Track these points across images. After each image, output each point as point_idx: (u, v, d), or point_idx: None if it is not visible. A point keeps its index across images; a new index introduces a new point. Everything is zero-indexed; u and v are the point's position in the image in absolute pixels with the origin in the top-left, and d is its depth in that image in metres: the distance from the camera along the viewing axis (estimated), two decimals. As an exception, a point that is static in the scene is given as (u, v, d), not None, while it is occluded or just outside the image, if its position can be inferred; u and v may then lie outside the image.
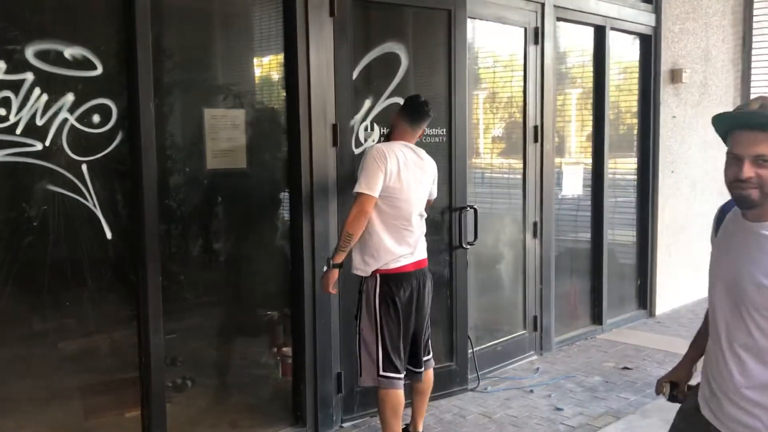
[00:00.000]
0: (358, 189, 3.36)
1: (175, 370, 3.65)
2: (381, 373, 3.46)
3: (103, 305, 3.27)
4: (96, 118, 3.10)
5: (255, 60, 3.93)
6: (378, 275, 3.44)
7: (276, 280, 4.00)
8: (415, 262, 3.52)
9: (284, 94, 3.80)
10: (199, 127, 3.49)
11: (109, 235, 3.18)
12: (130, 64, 3.14)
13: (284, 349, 4.04)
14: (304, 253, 3.83)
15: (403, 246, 3.47)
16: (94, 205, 3.12)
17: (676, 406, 2.29)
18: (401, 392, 3.51)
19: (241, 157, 3.65)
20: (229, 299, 3.89)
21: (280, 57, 3.79)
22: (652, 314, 6.59)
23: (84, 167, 3.08)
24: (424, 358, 3.68)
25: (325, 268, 3.59)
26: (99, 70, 3.09)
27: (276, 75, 3.84)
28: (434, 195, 3.78)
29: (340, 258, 3.40)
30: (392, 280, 3.44)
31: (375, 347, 3.45)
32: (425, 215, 3.66)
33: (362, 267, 3.48)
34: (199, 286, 3.71)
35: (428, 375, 3.73)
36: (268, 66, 3.96)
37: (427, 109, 3.60)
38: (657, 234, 6.56)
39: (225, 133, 3.56)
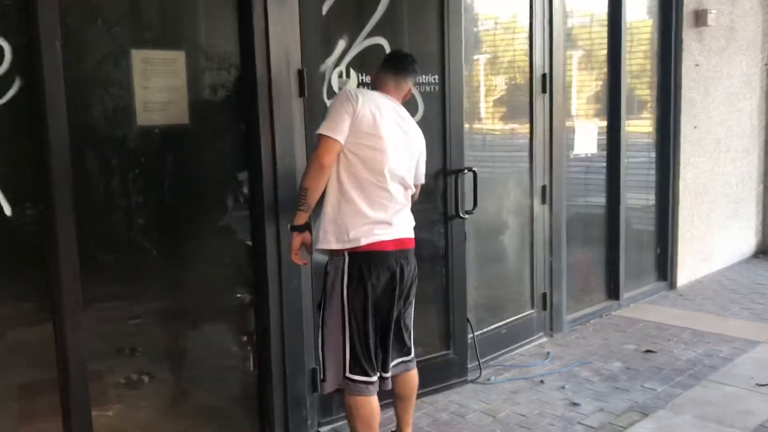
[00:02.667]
0: (318, 131, 2.70)
1: (131, 363, 3.05)
2: (348, 375, 2.78)
3: (7, 299, 2.61)
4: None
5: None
6: (346, 254, 2.75)
7: (233, 261, 3.33)
8: (395, 239, 2.82)
9: (236, 33, 3.09)
10: (126, 72, 2.77)
11: (8, 211, 2.50)
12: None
13: (252, 336, 3.39)
14: (266, 226, 3.16)
15: (379, 211, 2.76)
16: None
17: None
18: (374, 399, 2.84)
19: (181, 110, 2.94)
20: (175, 283, 3.21)
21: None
22: (673, 286, 5.93)
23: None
24: (404, 359, 3.01)
25: None
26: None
27: (225, 8, 3.11)
28: (421, 178, 3.07)
29: (299, 219, 2.77)
30: (365, 260, 2.75)
31: (341, 344, 2.77)
32: (412, 190, 2.97)
33: (325, 238, 2.77)
34: (134, 268, 3.02)
35: (411, 377, 3.07)
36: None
37: (411, 61, 2.99)
38: (678, 197, 5.87)
39: (160, 81, 2.85)
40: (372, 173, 2.74)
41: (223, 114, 3.16)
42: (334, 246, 2.77)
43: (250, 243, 3.25)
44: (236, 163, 3.19)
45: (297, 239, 2.81)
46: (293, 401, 3.32)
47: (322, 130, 2.70)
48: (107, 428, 2.89)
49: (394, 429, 3.22)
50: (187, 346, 3.29)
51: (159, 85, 2.85)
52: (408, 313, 3.00)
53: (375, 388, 2.84)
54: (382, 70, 2.98)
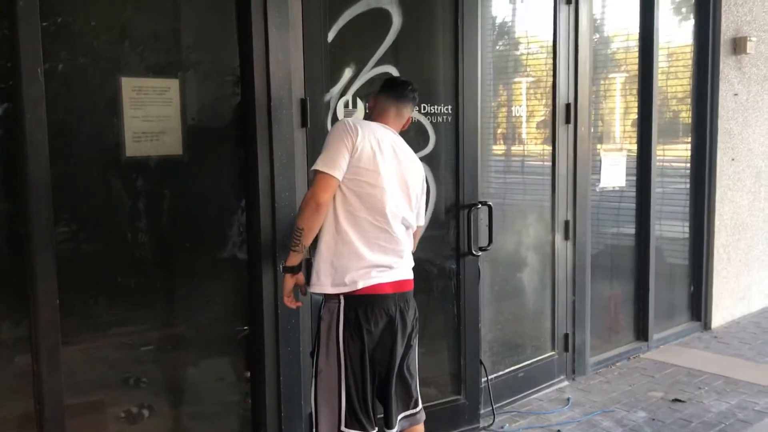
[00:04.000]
0: (314, 166, 2.52)
1: (137, 394, 2.92)
2: (342, 429, 2.57)
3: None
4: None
5: (196, 16, 3.00)
6: (342, 297, 2.56)
7: (229, 296, 3.17)
8: (395, 282, 2.62)
9: (235, 60, 2.96)
10: (114, 101, 2.65)
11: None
12: (8, 12, 2.34)
13: (246, 375, 3.23)
14: (263, 261, 3.01)
15: (377, 253, 2.57)
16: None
17: None
18: None
19: (174, 141, 2.80)
20: (165, 317, 3.06)
21: (230, 11, 2.94)
22: (707, 327, 5.61)
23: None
24: (411, 412, 2.78)
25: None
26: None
27: (224, 34, 2.99)
28: (421, 220, 2.85)
29: (292, 259, 2.60)
30: (362, 304, 2.55)
31: (337, 395, 2.57)
32: (413, 229, 2.77)
33: (319, 281, 2.59)
34: (118, 304, 2.87)
35: (419, 430, 2.84)
36: (212, 22, 3.06)
37: (411, 89, 2.79)
38: (714, 232, 5.56)
39: (151, 110, 2.72)
40: (370, 212, 2.55)
41: (220, 145, 3.02)
42: (329, 290, 2.58)
43: (246, 278, 3.09)
44: (233, 196, 3.04)
45: (290, 281, 2.65)
46: (288, 448, 3.14)
47: (319, 165, 2.51)
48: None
49: None
50: (182, 381, 3.13)
51: (150, 115, 2.72)
52: (412, 359, 2.78)
53: None
54: (383, 95, 2.77)
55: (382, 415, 2.70)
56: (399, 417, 2.73)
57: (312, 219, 2.50)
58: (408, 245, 2.72)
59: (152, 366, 3.01)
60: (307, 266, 2.75)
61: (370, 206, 2.55)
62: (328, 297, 2.62)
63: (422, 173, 2.79)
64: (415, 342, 2.77)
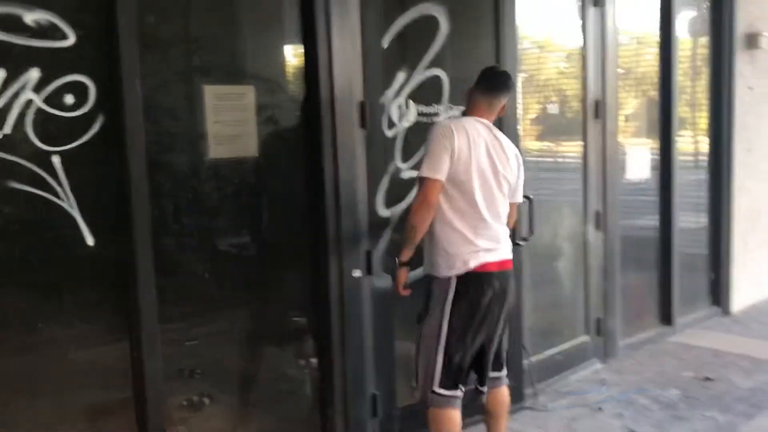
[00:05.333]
0: (421, 173, 2.84)
1: (191, 385, 3.12)
2: (435, 389, 2.88)
3: (87, 324, 2.73)
4: (69, 99, 2.52)
5: (266, 27, 3.27)
6: (454, 277, 2.87)
7: (296, 288, 3.41)
8: (498, 261, 2.93)
9: (302, 67, 3.19)
10: (199, 108, 2.89)
11: (90, 241, 2.62)
12: (110, 32, 2.57)
13: (312, 361, 3.47)
14: (330, 256, 3.24)
15: (481, 239, 2.88)
16: (71, 206, 2.55)
17: None
18: (457, 414, 2.93)
19: (250, 143, 3.05)
20: (242, 305, 3.30)
21: (296, 22, 3.18)
22: (727, 312, 5.84)
23: (56, 159, 2.51)
24: (495, 374, 3.08)
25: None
26: (71, 40, 2.51)
27: (292, 44, 3.23)
28: (519, 198, 3.15)
29: (406, 255, 2.93)
30: (470, 281, 2.86)
31: (434, 357, 2.88)
32: (506, 211, 3.04)
33: (436, 267, 2.92)
34: (205, 294, 3.12)
35: (502, 393, 3.14)
36: (281, 34, 3.32)
37: (505, 79, 3.07)
38: (732, 221, 5.79)
39: (230, 116, 2.96)
40: (470, 204, 2.86)
41: (290, 145, 3.26)
42: (445, 274, 2.88)
43: (313, 269, 3.32)
44: (301, 192, 3.28)
45: (404, 274, 2.97)
46: (354, 425, 3.37)
47: (425, 172, 2.82)
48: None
49: None
50: (252, 369, 3.37)
51: (230, 120, 2.96)
52: (506, 332, 3.09)
53: (459, 402, 2.92)
54: (476, 89, 3.03)
55: (477, 376, 3.00)
56: (490, 376, 3.04)
57: (423, 218, 2.84)
58: (504, 230, 3.00)
59: (229, 353, 3.26)
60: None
61: (469, 199, 2.86)
62: (440, 279, 2.92)
63: (516, 158, 3.04)
64: (510, 316, 3.08)
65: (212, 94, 2.91)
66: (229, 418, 3.29)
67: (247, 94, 3.02)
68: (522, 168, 3.10)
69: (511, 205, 3.08)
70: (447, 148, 2.80)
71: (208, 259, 3.06)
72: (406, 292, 3.02)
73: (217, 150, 2.93)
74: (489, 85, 3.02)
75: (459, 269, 2.86)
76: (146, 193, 2.67)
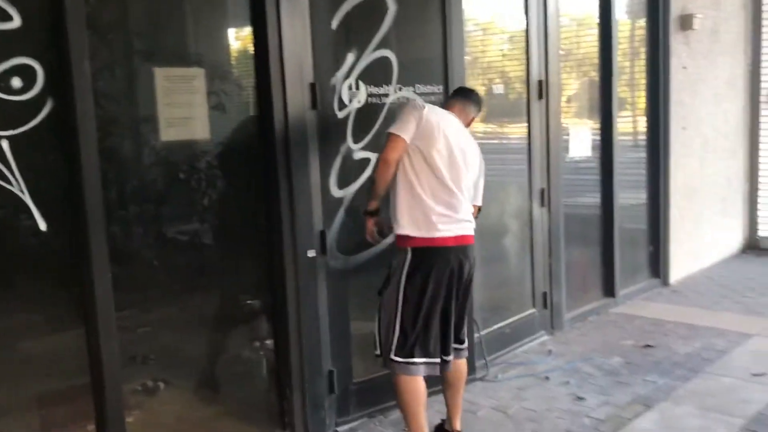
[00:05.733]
0: (388, 130, 3.02)
1: (145, 370, 3.14)
2: (392, 356, 3.01)
3: (42, 309, 2.71)
4: (16, 83, 2.49)
5: (216, 9, 3.26)
6: (410, 249, 2.99)
7: (252, 268, 3.44)
8: (457, 236, 3.04)
9: (252, 48, 3.21)
10: (150, 90, 2.89)
11: (42, 226, 2.60)
12: (56, 13, 2.54)
13: (268, 342, 3.51)
14: (284, 236, 3.28)
15: (440, 206, 3.00)
16: (22, 191, 2.53)
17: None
18: (419, 379, 3.06)
19: (202, 125, 3.06)
20: (196, 290, 3.31)
21: (246, 5, 3.19)
22: (666, 283, 6.11)
23: (4, 144, 2.48)
24: (456, 346, 3.19)
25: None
26: (16, 22, 2.48)
27: (242, 27, 3.24)
28: (479, 200, 3.31)
29: (370, 205, 3.15)
30: (426, 254, 2.98)
31: (392, 326, 3.01)
32: (471, 199, 3.21)
33: (399, 225, 3.04)
34: (161, 277, 3.13)
35: (458, 365, 3.26)
36: (231, 16, 3.33)
37: (476, 96, 3.36)
38: (669, 196, 6.05)
39: (182, 98, 2.97)
40: (435, 172, 2.98)
41: (241, 127, 3.28)
42: (407, 232, 3.00)
43: (268, 251, 3.36)
44: (254, 173, 3.30)
45: (370, 222, 3.17)
46: (312, 403, 3.44)
47: (391, 129, 3.00)
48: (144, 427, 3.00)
49: (443, 418, 3.39)
50: (208, 352, 3.40)
51: (181, 102, 2.96)
52: (465, 307, 3.21)
53: (421, 369, 3.04)
54: (450, 97, 3.37)
55: (440, 346, 3.09)
56: (454, 347, 3.15)
57: (381, 172, 3.01)
58: (467, 208, 3.13)
59: (184, 338, 3.28)
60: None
61: (434, 167, 2.98)
62: (399, 249, 3.04)
63: (481, 158, 3.24)
64: (471, 290, 3.21)
65: (162, 76, 2.91)
66: (185, 401, 3.32)
67: (198, 76, 3.03)
68: (483, 173, 3.26)
69: (474, 206, 3.23)
70: (415, 115, 2.97)
71: (161, 243, 3.07)
72: (374, 240, 3.20)
73: (168, 132, 2.94)
74: (464, 96, 3.31)
75: (419, 232, 2.97)
76: (98, 178, 2.65)
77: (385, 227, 3.21)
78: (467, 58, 4.39)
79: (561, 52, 4.96)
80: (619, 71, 5.66)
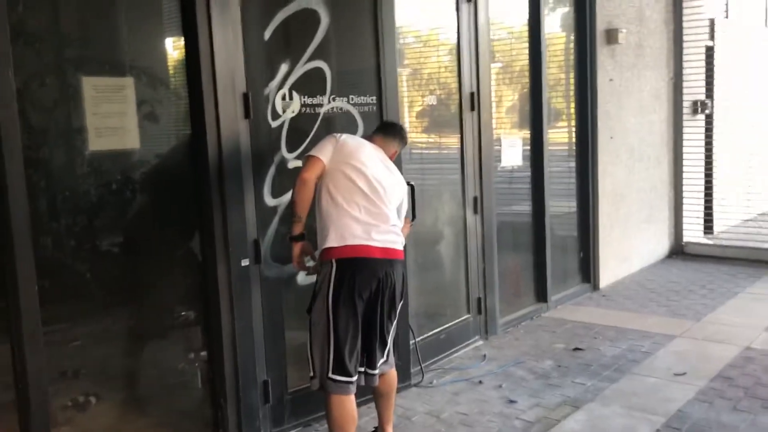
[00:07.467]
0: (306, 154, 3.10)
1: (76, 385, 3.08)
2: (330, 375, 2.98)
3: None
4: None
5: (146, 19, 3.23)
6: (334, 261, 2.97)
7: (185, 278, 3.42)
8: (383, 248, 3.04)
9: (183, 58, 3.20)
10: (77, 99, 2.85)
11: (-36, 238, 2.54)
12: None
13: (202, 353, 3.49)
14: (217, 245, 3.27)
15: (366, 215, 3.01)
16: (-58, 201, 2.47)
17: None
18: (352, 400, 3.04)
19: (132, 135, 3.03)
20: (129, 302, 3.27)
21: (177, 15, 3.18)
22: (596, 288, 6.31)
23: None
24: (382, 360, 3.18)
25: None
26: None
27: (173, 37, 3.23)
28: (402, 217, 3.35)
29: (295, 229, 3.07)
30: (351, 266, 2.97)
31: (326, 344, 2.97)
32: (401, 218, 3.26)
33: (325, 239, 3.03)
34: (92, 289, 3.09)
35: (390, 375, 3.29)
36: (162, 26, 3.31)
37: (399, 129, 3.44)
38: (597, 203, 6.26)
39: (111, 107, 2.94)
40: (357, 184, 3.02)
41: (173, 137, 3.26)
42: (331, 243, 2.98)
43: (201, 261, 3.34)
44: (186, 183, 3.28)
45: (296, 247, 3.10)
46: (246, 413, 3.43)
47: (310, 152, 3.07)
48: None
49: (375, 426, 3.42)
50: (141, 366, 3.35)
51: (110, 111, 2.93)
52: (392, 321, 3.18)
53: (353, 387, 3.04)
54: (372, 133, 3.39)
55: (366, 361, 3.11)
56: (379, 363, 3.14)
57: (299, 192, 3.01)
58: (396, 222, 3.16)
59: (116, 351, 3.23)
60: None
61: (355, 180, 3.02)
62: (323, 263, 3.02)
63: (404, 185, 3.32)
64: (398, 308, 3.19)
65: (90, 85, 2.87)
66: (117, 415, 3.26)
67: (127, 86, 3.00)
68: (406, 195, 3.34)
69: (406, 219, 3.33)
70: (332, 141, 3.08)
71: (92, 255, 3.02)
72: (302, 268, 3.16)
73: (96, 142, 2.90)
74: (385, 131, 3.37)
75: (343, 242, 2.97)
76: (23, 188, 2.60)
77: (312, 253, 3.18)
78: (407, 69, 4.49)
79: (498, 65, 5.11)
80: (551, 83, 5.86)
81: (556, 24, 6.04)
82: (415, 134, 4.74)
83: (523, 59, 5.58)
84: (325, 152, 3.02)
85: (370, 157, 3.10)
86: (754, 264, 7.01)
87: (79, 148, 2.92)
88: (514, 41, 5.65)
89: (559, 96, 6.17)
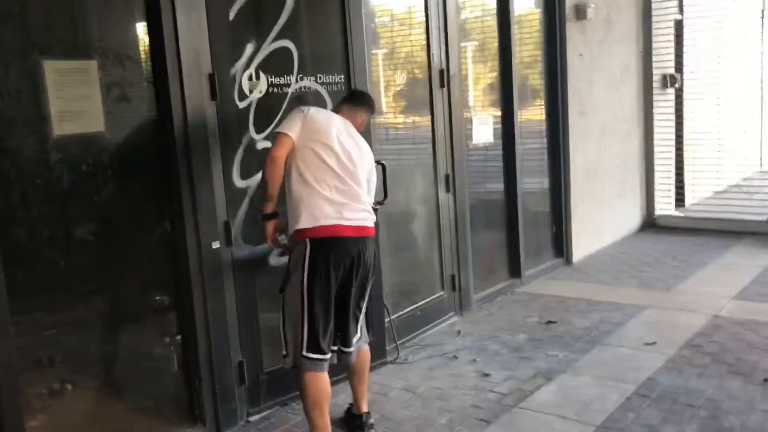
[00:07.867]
0: (275, 131, 3.09)
1: (52, 373, 3.08)
2: (304, 353, 3.00)
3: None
4: None
5: (108, 1, 3.21)
6: (308, 240, 2.98)
7: (157, 263, 3.41)
8: (355, 226, 3.05)
9: (146, 39, 3.17)
10: (39, 84, 2.81)
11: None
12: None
13: (177, 337, 3.49)
14: (187, 229, 3.26)
15: (337, 194, 3.02)
16: None
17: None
18: (326, 377, 3.07)
19: (96, 119, 3.00)
20: (102, 289, 3.26)
21: (138, -5, 3.14)
22: (569, 262, 6.39)
23: None
24: (357, 337, 3.22)
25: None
26: None
27: (136, 18, 3.19)
28: (373, 196, 3.32)
29: (266, 208, 3.09)
30: (325, 245, 2.98)
31: (300, 325, 2.99)
32: (371, 195, 3.24)
33: (296, 220, 3.02)
34: (64, 277, 3.07)
35: (363, 351, 3.32)
36: (125, 7, 3.26)
37: (367, 99, 3.43)
38: (570, 179, 6.32)
39: (74, 91, 2.90)
40: (327, 162, 3.01)
41: (139, 120, 3.23)
42: (304, 225, 2.99)
43: (171, 244, 3.33)
44: (154, 166, 3.26)
45: (269, 225, 3.12)
46: (222, 395, 3.44)
47: (278, 128, 3.06)
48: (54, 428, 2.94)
49: (350, 403, 3.45)
50: (116, 352, 3.35)
51: (73, 95, 2.90)
52: (364, 298, 3.21)
53: (327, 365, 3.06)
54: (342, 103, 3.36)
55: (340, 338, 3.15)
56: (354, 340, 3.18)
57: (269, 170, 3.00)
58: (367, 200, 3.16)
59: (90, 338, 3.22)
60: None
61: (324, 158, 3.01)
62: (296, 242, 3.03)
63: (372, 156, 3.28)
64: (370, 283, 3.22)
65: (53, 69, 2.84)
66: (93, 401, 3.26)
67: (91, 69, 2.97)
68: (374, 171, 3.29)
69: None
70: (300, 116, 3.05)
71: (63, 242, 3.00)
72: (276, 246, 3.19)
73: (61, 127, 2.87)
74: (353, 101, 3.36)
75: (315, 222, 2.97)
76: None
77: (286, 230, 3.18)
78: (376, 47, 4.47)
79: (472, 43, 5.10)
80: (523, 60, 5.87)
81: (526, 0, 6.04)
82: (386, 112, 4.74)
83: (494, 37, 5.58)
84: (293, 128, 3.01)
85: (339, 132, 3.09)
86: (724, 235, 7.12)
87: (42, 134, 2.87)
88: (485, 18, 5.65)
89: (531, 73, 6.19)
